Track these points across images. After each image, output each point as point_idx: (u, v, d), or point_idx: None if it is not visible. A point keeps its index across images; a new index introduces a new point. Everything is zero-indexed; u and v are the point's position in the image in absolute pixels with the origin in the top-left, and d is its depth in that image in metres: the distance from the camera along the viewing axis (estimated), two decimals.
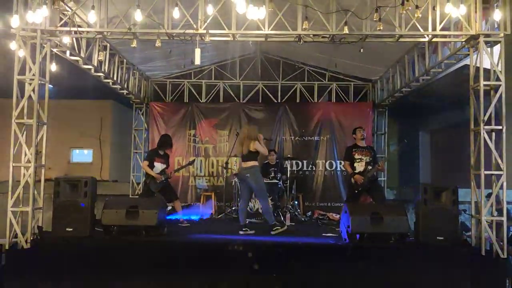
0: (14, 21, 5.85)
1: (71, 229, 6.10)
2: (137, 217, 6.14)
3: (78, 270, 5.74)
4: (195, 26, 6.11)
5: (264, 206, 6.96)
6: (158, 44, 6.29)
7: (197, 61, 6.22)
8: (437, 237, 5.92)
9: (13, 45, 6.30)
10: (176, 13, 5.90)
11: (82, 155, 12.36)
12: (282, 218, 8.24)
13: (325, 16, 6.08)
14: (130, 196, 10.10)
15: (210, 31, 6.18)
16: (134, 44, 6.40)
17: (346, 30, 6.01)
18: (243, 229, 6.81)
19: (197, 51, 6.16)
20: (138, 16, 5.83)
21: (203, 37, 6.26)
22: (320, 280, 5.63)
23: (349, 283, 5.63)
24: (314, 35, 6.33)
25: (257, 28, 6.09)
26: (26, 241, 5.95)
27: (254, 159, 6.84)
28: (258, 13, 5.49)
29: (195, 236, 6.82)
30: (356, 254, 5.73)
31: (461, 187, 6.37)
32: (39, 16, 5.76)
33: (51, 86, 6.43)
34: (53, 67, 6.82)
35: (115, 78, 8.70)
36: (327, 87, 10.76)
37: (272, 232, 6.66)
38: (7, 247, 5.95)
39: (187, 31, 6.15)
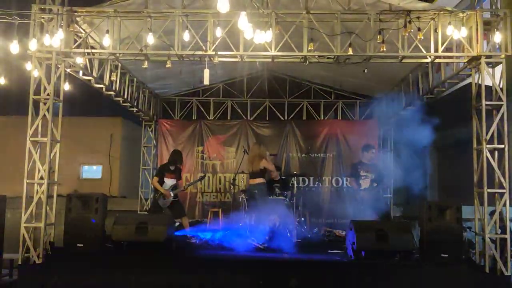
0: (32, 44, 6.07)
1: (82, 245, 6.24)
2: (146, 233, 6.27)
3: (88, 285, 5.87)
4: (204, 48, 6.32)
5: (257, 222, 7.26)
6: (168, 65, 6.51)
7: (206, 81, 6.42)
8: (442, 254, 5.99)
9: (28, 66, 6.52)
10: (186, 36, 6.11)
11: (92, 171, 12.54)
12: (289, 234, 8.31)
13: (330, 38, 6.27)
14: (139, 212, 10.23)
15: (219, 53, 6.38)
16: (146, 65, 6.62)
17: (350, 51, 6.19)
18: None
19: (206, 72, 6.36)
20: (150, 39, 6.06)
21: (212, 58, 6.47)
22: None
23: None
24: (319, 56, 6.51)
25: (264, 50, 6.29)
26: (38, 256, 6.09)
27: (262, 176, 7.21)
28: (265, 37, 5.68)
29: (203, 252, 6.93)
30: (361, 271, 5.81)
31: (468, 204, 6.45)
32: (56, 39, 5.98)
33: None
34: (66, 86, 7.04)
35: (125, 96, 8.92)
36: (333, 105, 10.93)
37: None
38: (19, 262, 6.10)
39: (197, 52, 6.37)
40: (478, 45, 6.07)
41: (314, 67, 8.53)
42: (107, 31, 6.18)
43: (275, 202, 8.23)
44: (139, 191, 10.62)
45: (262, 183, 7.24)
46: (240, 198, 9.19)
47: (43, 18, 6.34)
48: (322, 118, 10.87)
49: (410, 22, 5.96)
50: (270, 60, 6.67)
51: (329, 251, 7.14)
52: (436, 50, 6.27)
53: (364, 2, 6.36)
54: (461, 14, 6.11)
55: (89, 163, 12.38)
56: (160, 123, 10.79)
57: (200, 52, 6.36)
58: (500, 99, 6.06)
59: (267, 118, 10.90)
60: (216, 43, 6.30)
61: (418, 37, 6.01)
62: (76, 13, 6.38)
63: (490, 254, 5.83)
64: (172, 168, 8.14)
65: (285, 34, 6.27)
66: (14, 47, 5.98)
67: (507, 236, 5.84)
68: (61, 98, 6.56)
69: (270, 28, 5.99)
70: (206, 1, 6.43)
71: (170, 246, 6.51)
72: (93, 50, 6.69)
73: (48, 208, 6.27)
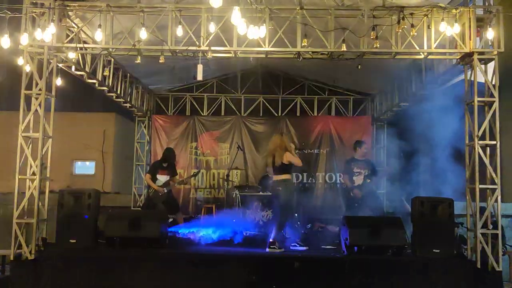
0: (23, 38, 6.02)
1: (75, 241, 6.23)
2: (140, 229, 6.26)
3: (81, 281, 5.86)
4: (197, 43, 6.29)
5: (279, 221, 6.57)
6: (161, 60, 6.48)
7: (199, 77, 6.39)
8: (433, 250, 6.03)
9: (20, 61, 6.46)
10: (179, 31, 6.08)
11: (85, 167, 12.46)
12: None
13: (323, 34, 6.26)
14: (132, 208, 10.20)
15: (212, 48, 6.36)
16: (139, 60, 6.58)
17: (344, 48, 6.20)
18: (271, 246, 6.39)
19: (199, 67, 6.33)
20: (143, 34, 6.02)
21: (205, 54, 6.44)
22: None
23: None
24: (313, 52, 6.50)
25: (258, 45, 6.26)
26: (30, 252, 6.06)
27: (287, 171, 6.52)
28: (258, 32, 5.67)
29: (195, 248, 6.92)
30: (354, 266, 5.84)
31: (461, 200, 6.48)
32: (48, 34, 5.93)
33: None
34: (58, 81, 6.98)
35: (118, 92, 8.87)
36: (327, 101, 10.93)
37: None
38: (11, 258, 6.06)
39: (190, 47, 6.34)
40: (471, 42, 6.10)
41: (308, 63, 8.51)
42: (100, 26, 6.14)
43: (268, 198, 8.23)
44: (132, 187, 10.58)
45: (287, 179, 6.49)
46: (234, 194, 9.20)
47: (34, 12, 6.26)
48: (316, 114, 10.88)
49: (403, 18, 5.97)
50: (263, 55, 6.67)
51: (322, 246, 7.16)
52: (429, 47, 6.28)
53: None
54: (454, 11, 6.12)
55: (82, 159, 12.29)
56: (153, 119, 10.74)
57: (194, 48, 6.34)
58: (492, 95, 6.09)
59: (261, 114, 10.89)
60: (210, 38, 6.27)
61: (411, 34, 6.02)
62: (68, 7, 6.32)
63: (481, 250, 5.87)
64: (164, 165, 8.13)
65: (279, 30, 6.25)
66: (5, 42, 5.92)
67: (499, 231, 5.88)
68: (53, 93, 6.51)
69: (264, 24, 5.97)
70: None
71: (163, 242, 6.50)
72: (86, 45, 6.65)
73: (40, 204, 6.23)
